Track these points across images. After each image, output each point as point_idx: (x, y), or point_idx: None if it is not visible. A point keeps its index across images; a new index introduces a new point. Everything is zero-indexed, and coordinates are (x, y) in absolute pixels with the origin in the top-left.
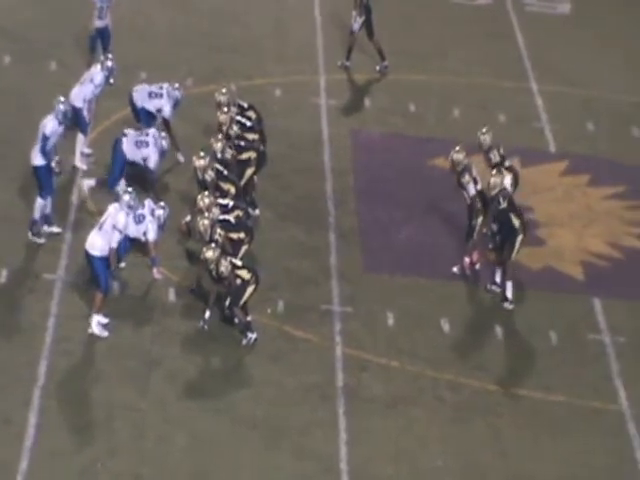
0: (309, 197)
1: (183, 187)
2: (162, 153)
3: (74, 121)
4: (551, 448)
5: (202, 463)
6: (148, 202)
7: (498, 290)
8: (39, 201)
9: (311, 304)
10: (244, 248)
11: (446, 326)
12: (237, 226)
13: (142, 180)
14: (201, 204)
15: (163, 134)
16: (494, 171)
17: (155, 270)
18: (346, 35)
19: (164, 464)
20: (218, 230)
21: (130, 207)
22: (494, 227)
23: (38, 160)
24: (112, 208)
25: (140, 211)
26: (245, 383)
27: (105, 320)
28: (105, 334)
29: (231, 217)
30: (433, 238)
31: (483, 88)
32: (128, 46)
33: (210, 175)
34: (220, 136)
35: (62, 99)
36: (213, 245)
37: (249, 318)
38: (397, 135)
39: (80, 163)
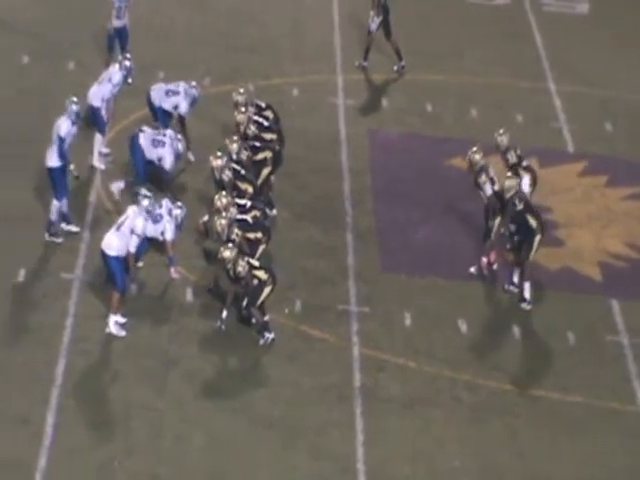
0: (326, 197)
1: (200, 187)
2: (177, 155)
3: (92, 121)
4: (569, 449)
5: (219, 462)
6: (166, 202)
7: (516, 290)
8: (55, 203)
9: (328, 304)
10: (261, 248)
11: (464, 326)
12: (254, 226)
13: (158, 180)
14: (218, 204)
15: (179, 136)
16: (509, 173)
17: (173, 270)
18: (363, 35)
19: (181, 463)
20: (235, 230)
21: (149, 212)
22: (512, 228)
23: (53, 162)
24: (131, 211)
25: (158, 211)
26: (262, 383)
27: (123, 320)
28: (123, 334)
29: (248, 217)
30: (451, 238)
31: (501, 88)
32: (146, 46)
33: (227, 175)
34: (236, 137)
35: (74, 99)
36: (230, 245)
37: (266, 318)
38: (414, 135)
39: (98, 163)
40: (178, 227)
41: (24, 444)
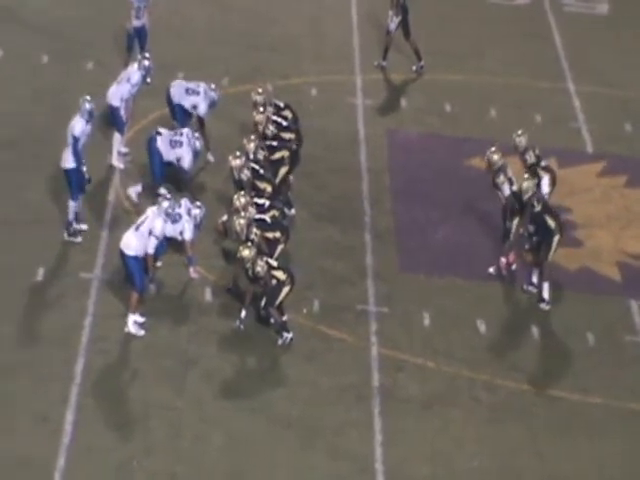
0: (345, 197)
1: (219, 186)
2: (195, 153)
3: (111, 120)
4: (588, 450)
5: (238, 462)
6: (185, 201)
7: (535, 291)
8: (71, 203)
9: (347, 304)
10: (280, 247)
11: (482, 327)
12: (273, 225)
13: (177, 180)
14: (237, 203)
15: (197, 134)
16: (526, 175)
17: (192, 269)
18: (382, 35)
19: (200, 463)
20: (254, 230)
21: (168, 214)
22: (530, 228)
23: (69, 163)
24: (150, 212)
25: (177, 210)
26: (281, 383)
27: (141, 319)
28: (141, 333)
29: (267, 217)
30: (469, 238)
31: (520, 88)
32: (165, 45)
33: (246, 174)
34: (253, 136)
35: (88, 98)
36: (249, 244)
37: (285, 318)
38: (433, 135)
39: (117, 162)
40: (197, 227)
41: (43, 442)
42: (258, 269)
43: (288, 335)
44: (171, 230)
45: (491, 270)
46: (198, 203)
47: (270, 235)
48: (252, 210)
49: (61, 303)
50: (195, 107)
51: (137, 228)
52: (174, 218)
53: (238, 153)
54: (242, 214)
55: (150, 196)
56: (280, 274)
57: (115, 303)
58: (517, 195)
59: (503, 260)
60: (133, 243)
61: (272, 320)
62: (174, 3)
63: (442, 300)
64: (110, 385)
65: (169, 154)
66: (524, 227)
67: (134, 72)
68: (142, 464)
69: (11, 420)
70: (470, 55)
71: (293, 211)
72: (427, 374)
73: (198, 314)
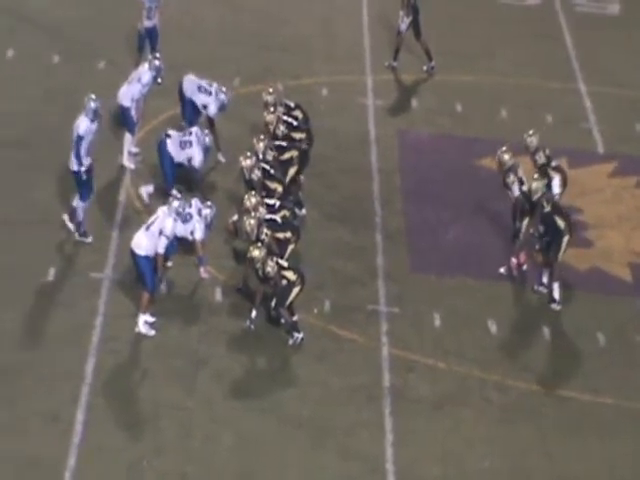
0: (355, 197)
1: (230, 186)
2: (206, 150)
3: (122, 120)
4: (598, 450)
5: (248, 462)
6: (195, 201)
7: (545, 291)
8: (81, 204)
9: (357, 304)
10: (290, 248)
11: (493, 327)
12: (283, 226)
13: (188, 180)
14: (248, 204)
15: (205, 131)
16: (535, 175)
17: (202, 269)
18: (393, 35)
19: (210, 463)
20: (265, 230)
21: (178, 214)
22: (541, 228)
23: (75, 165)
24: (161, 212)
25: (187, 210)
26: (291, 383)
27: (152, 319)
28: (152, 333)
29: (277, 217)
30: (480, 238)
31: (531, 89)
32: (176, 46)
33: (257, 175)
34: (262, 136)
35: (93, 96)
36: (259, 245)
37: (295, 318)
38: (444, 135)
39: (128, 162)
40: (207, 227)
41: (54, 442)
42: (268, 269)
43: (299, 335)
44: (182, 230)
45: (502, 270)
46: (209, 203)
47: (280, 235)
48: (262, 210)
49: (72, 303)
50: (205, 107)
51: (148, 228)
52: (185, 218)
53: (249, 153)
54: (252, 214)
55: (161, 197)
56: (290, 274)
57: (126, 303)
58: (527, 195)
59: (514, 260)
60: (144, 243)
61: (282, 320)
62: (185, 3)
63: (453, 300)
64: (121, 385)
65: (179, 155)
66: (534, 227)
67: (145, 72)
68: (152, 464)
69: (22, 420)
70: (481, 55)
71: (304, 211)
72: (438, 374)
73: (208, 314)
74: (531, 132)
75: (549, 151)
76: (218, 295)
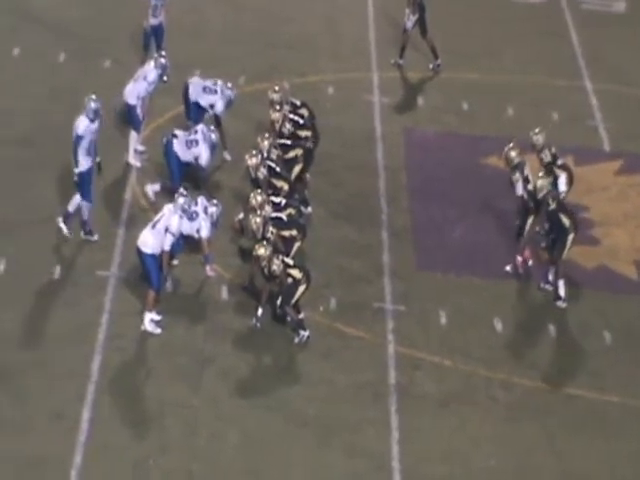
0: (362, 195)
1: (236, 185)
2: (212, 147)
3: (127, 118)
4: (605, 449)
5: (254, 460)
6: (201, 199)
7: (551, 289)
8: (85, 204)
9: (363, 302)
10: (296, 246)
11: (499, 325)
12: (289, 224)
13: (194, 178)
14: (253, 202)
15: (212, 127)
16: (540, 173)
17: (208, 267)
18: (399, 33)
19: (216, 461)
20: (270, 228)
21: (184, 211)
22: (546, 226)
23: (80, 165)
24: (166, 209)
25: (193, 208)
26: (297, 381)
27: (158, 317)
28: (158, 331)
29: (283, 215)
30: (486, 237)
31: (537, 86)
32: (182, 44)
33: (262, 173)
34: (267, 135)
35: (93, 97)
36: (265, 243)
37: (301, 316)
38: (450, 133)
39: (134, 160)
40: (213, 225)
41: (59, 440)
42: (274, 268)
43: (305, 333)
44: (188, 228)
45: (508, 268)
46: (215, 201)
47: (286, 233)
48: (268, 208)
49: (78, 301)
50: (212, 106)
51: (154, 226)
52: (190, 215)
53: (254, 152)
54: (258, 212)
55: (167, 195)
56: (296, 273)
57: (132, 301)
58: (532, 193)
59: (519, 258)
60: (150, 241)
61: (288, 318)
62: (191, 2)
63: (459, 298)
64: (126, 383)
65: (186, 155)
66: (540, 225)
67: (151, 70)
68: (158, 462)
69: (28, 418)
70: (487, 53)
71: (310, 209)
72: (444, 372)
73: (214, 312)
74: (537, 130)
75: (555, 149)
76: (224, 293)
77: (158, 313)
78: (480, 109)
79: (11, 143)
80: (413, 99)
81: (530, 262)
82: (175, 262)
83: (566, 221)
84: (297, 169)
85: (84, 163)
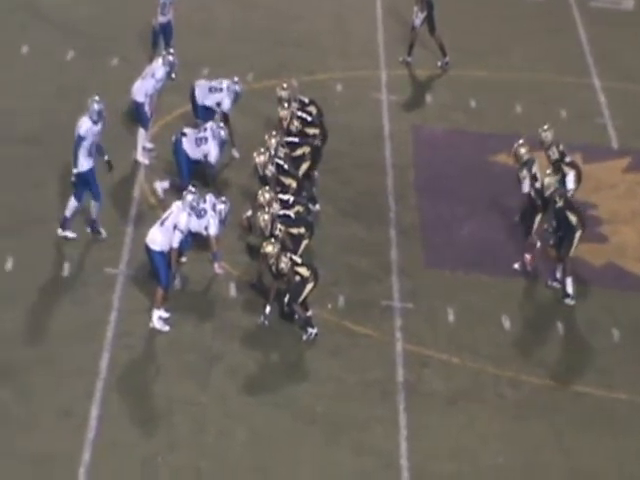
0: (370, 192)
1: (244, 182)
2: (222, 144)
3: (135, 116)
4: (613, 446)
5: (262, 458)
6: (209, 197)
7: (559, 286)
8: (93, 203)
9: (372, 300)
10: (304, 243)
11: (507, 323)
12: (297, 221)
13: (202, 175)
14: (261, 199)
15: (221, 124)
16: (548, 171)
17: (216, 265)
18: (407, 30)
19: (224, 458)
20: (278, 225)
21: (193, 208)
22: (554, 224)
23: (81, 167)
24: (175, 207)
25: (202, 206)
26: (305, 378)
27: (166, 314)
28: (166, 328)
29: (291, 212)
30: (495, 234)
31: (545, 84)
32: (190, 42)
33: (271, 170)
34: (274, 132)
35: (97, 98)
36: (273, 240)
37: (309, 313)
38: (458, 131)
39: (142, 158)
40: (222, 222)
41: (68, 437)
42: (282, 265)
43: (313, 330)
44: (196, 225)
45: (516, 266)
46: (223, 198)
47: (294, 231)
48: (276, 206)
49: (86, 298)
50: (219, 104)
51: (162, 223)
52: (199, 212)
53: (262, 149)
54: (266, 210)
55: (176, 193)
56: (304, 270)
57: (140, 298)
58: (539, 191)
59: (527, 256)
60: (158, 238)
61: (296, 316)
62: (199, 0)
63: (467, 296)
64: (135, 380)
65: (195, 153)
66: (548, 223)
67: (158, 68)
68: (166, 459)
69: (36, 415)
70: (495, 51)
71: (318, 207)
72: (452, 370)
73: (223, 310)
74: (546, 127)
75: (563, 146)
76: (232, 291)
77: (166, 310)
78: (488, 107)
79: (19, 141)
80: (421, 97)
81: (529, 268)
82: (183, 259)
83: (573, 219)
84: (304, 167)
85: (84, 164)
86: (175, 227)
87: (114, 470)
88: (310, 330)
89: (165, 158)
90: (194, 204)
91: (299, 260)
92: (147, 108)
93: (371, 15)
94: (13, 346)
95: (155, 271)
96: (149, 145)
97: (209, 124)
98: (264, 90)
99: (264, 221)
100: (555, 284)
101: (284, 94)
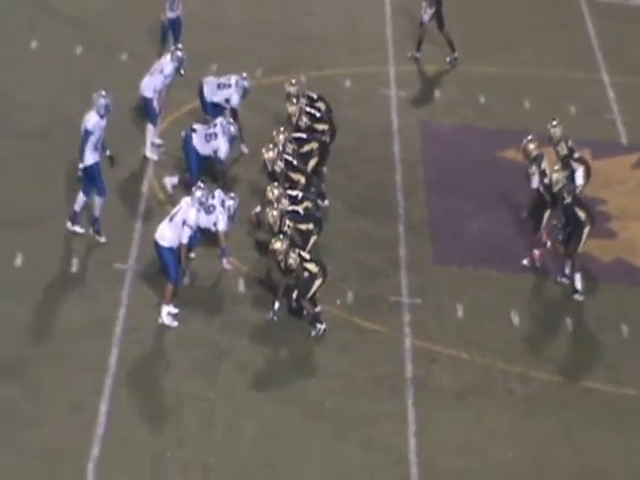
0: (378, 188)
1: (253, 178)
2: (231, 140)
3: (144, 112)
4: (621, 442)
5: (270, 453)
6: (218, 193)
7: (568, 282)
8: (97, 199)
9: (380, 295)
10: (313, 239)
11: (516, 318)
12: (306, 217)
13: (211, 171)
14: (270, 195)
15: (230, 119)
16: (556, 167)
17: (225, 261)
18: (416, 26)
19: (232, 454)
20: (287, 221)
21: (201, 204)
22: (562, 220)
23: (87, 160)
24: (184, 202)
25: (211, 201)
26: (314, 374)
27: (175, 310)
28: (175, 324)
29: (300, 208)
30: (503, 230)
31: (553, 79)
32: (199, 37)
33: (279, 166)
34: (282, 129)
35: (103, 93)
36: (281, 237)
37: (318, 309)
38: (467, 127)
39: (150, 153)
40: (230, 218)
41: (77, 433)
42: (290, 262)
43: (321, 326)
44: (205, 221)
45: (525, 262)
46: (232, 194)
47: (303, 227)
48: (285, 202)
49: (95, 294)
50: (228, 100)
51: (171, 219)
52: (207, 208)
53: (271, 145)
54: (275, 206)
55: (185, 189)
56: (312, 267)
57: (149, 294)
58: (548, 187)
59: (536, 252)
60: (167, 234)
61: (305, 312)
62: None
63: (476, 292)
64: (144, 376)
65: (205, 149)
66: (557, 219)
67: (167, 63)
68: (175, 455)
69: (45, 411)
70: (504, 46)
71: (326, 202)
72: (461, 365)
73: (231, 305)
74: (555, 122)
75: (572, 142)
76: (241, 286)
77: (175, 306)
78: (497, 102)
79: (28, 136)
80: (430, 92)
81: (538, 264)
82: (192, 255)
83: (582, 215)
84: (312, 163)
85: (90, 158)
86: (184, 223)
87: (123, 466)
88: (319, 326)
89: (174, 154)
90: (203, 200)
91: (308, 256)
92: (156, 104)
93: (380, 11)
94: (22, 342)
95: (164, 267)
96: (158, 141)
97: (219, 120)
98: (273, 86)
99: (273, 217)
100: (564, 280)
101: (293, 90)
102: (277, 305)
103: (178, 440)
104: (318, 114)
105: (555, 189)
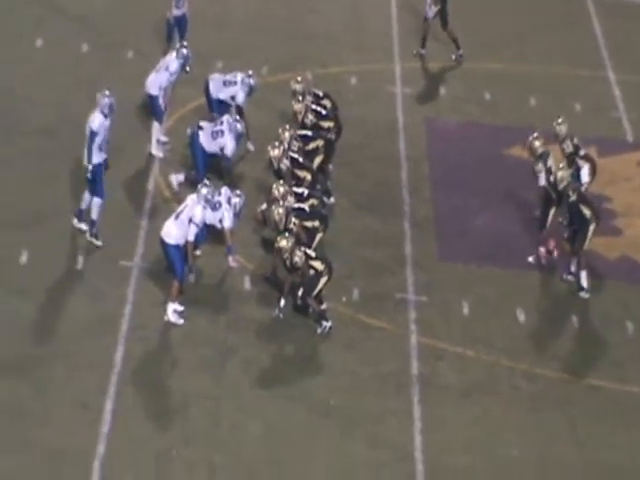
0: (384, 185)
1: (259, 175)
2: (238, 137)
3: (150, 109)
4: (626, 439)
5: (276, 451)
6: (224, 190)
7: (573, 280)
8: (96, 201)
9: (386, 293)
10: (318, 236)
11: (522, 316)
12: (312, 214)
13: (217, 169)
14: (276, 193)
15: (237, 117)
16: (561, 164)
17: (231, 258)
18: (421, 23)
19: (238, 452)
20: (293, 219)
21: (207, 201)
22: (568, 217)
23: (92, 160)
24: (190, 200)
25: (217, 198)
26: (319, 371)
27: (181, 308)
28: (181, 322)
29: (306, 206)
30: (509, 227)
31: (559, 77)
32: (204, 35)
33: (285, 164)
34: (287, 126)
35: (107, 92)
36: (287, 234)
37: (324, 307)
38: (472, 124)
39: (156, 151)
40: (236, 215)
41: (83, 431)
42: (296, 259)
43: (327, 324)
44: (211, 218)
45: (530, 259)
46: (238, 192)
47: (309, 224)
48: (291, 199)
49: (101, 291)
50: (233, 97)
51: (177, 217)
52: (213, 205)
53: (277, 143)
54: (281, 203)
55: (191, 186)
56: (318, 264)
57: (155, 291)
58: (553, 184)
59: (542, 249)
60: (173, 232)
61: (310, 310)
62: None
63: (481, 289)
64: (149, 373)
65: (211, 146)
66: (563, 216)
67: (172, 61)
68: (181, 453)
69: (51, 409)
70: (509, 43)
71: (332, 200)
72: (466, 363)
73: (237, 303)
74: (560, 120)
75: (577, 140)
76: (247, 284)
77: (181, 304)
78: (502, 99)
79: (33, 134)
80: (435, 89)
81: (555, 253)
82: (198, 252)
83: (587, 212)
84: (318, 160)
85: (96, 158)
86: (190, 220)
87: (128, 464)
88: (324, 323)
89: (180, 151)
90: (209, 197)
91: (313, 254)
92: (161, 101)
93: (385, 8)
94: (27, 340)
95: (170, 265)
96: (164, 138)
97: (225, 117)
98: (278, 83)
99: (278, 215)
100: (570, 277)
101: (298, 87)
102: (283, 303)
103: (184, 438)
104: (324, 112)
105: (560, 187)
